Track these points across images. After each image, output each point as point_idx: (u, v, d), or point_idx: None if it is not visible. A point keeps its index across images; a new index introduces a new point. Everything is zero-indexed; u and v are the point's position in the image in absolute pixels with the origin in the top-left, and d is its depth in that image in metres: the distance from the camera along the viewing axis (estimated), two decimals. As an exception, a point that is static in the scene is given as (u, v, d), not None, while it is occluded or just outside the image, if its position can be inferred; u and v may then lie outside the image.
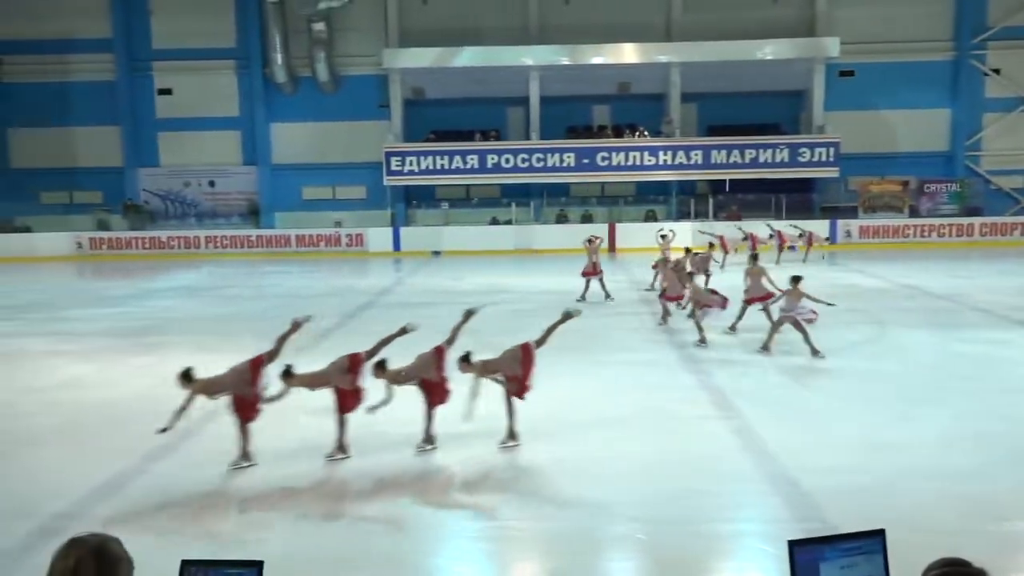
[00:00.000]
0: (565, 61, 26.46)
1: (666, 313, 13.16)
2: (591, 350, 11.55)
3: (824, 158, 25.82)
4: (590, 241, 16.07)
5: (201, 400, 6.63)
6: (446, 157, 26.71)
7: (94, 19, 28.07)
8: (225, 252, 27.01)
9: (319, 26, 27.04)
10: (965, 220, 26.09)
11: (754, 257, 12.87)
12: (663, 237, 17.81)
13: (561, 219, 28.02)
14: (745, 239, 20.16)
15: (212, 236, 27.42)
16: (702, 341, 11.28)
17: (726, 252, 19.46)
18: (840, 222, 25.92)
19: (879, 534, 2.80)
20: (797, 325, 10.55)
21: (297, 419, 7.78)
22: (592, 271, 15.67)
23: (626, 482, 6.50)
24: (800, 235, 21.68)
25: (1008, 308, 13.92)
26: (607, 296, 15.49)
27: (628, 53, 26.32)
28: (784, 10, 27.25)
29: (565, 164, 26.63)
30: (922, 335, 12.20)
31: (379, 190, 27.92)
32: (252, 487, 6.50)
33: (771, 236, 21.42)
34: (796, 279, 10.67)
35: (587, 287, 15.59)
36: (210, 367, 7.01)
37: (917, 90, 27.32)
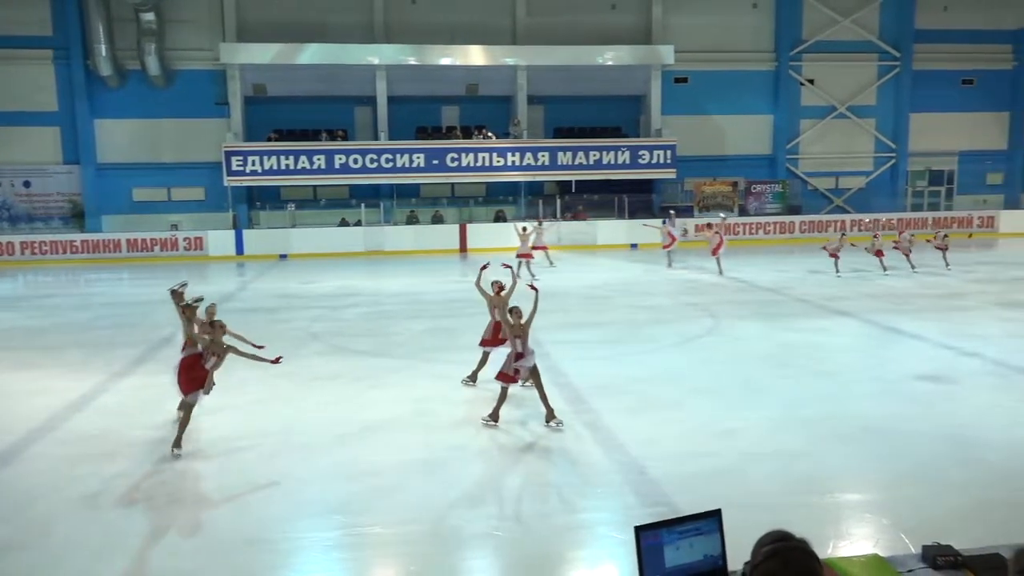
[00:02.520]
0: (413, 61, 26.30)
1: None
2: (447, 350, 11.55)
3: (662, 160, 27.16)
4: (524, 229, 19.43)
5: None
6: (291, 157, 25.85)
7: None
8: (45, 259, 24.80)
9: (148, 16, 25.38)
10: (787, 218, 28.25)
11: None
12: (523, 229, 19.60)
13: (412, 220, 27.84)
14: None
15: (29, 241, 25.08)
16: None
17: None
18: (678, 221, 27.29)
19: (716, 514, 2.95)
20: None
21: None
22: (527, 254, 18.99)
23: (482, 479, 6.53)
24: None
25: (825, 299, 15.21)
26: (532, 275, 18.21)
27: (475, 55, 26.53)
28: (623, 17, 28.40)
29: (415, 165, 26.47)
30: (754, 326, 13.07)
31: (219, 191, 26.59)
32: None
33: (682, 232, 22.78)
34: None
35: (519, 267, 17.88)
36: (30, 385, 6.39)
37: (744, 97, 29.31)
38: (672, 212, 23.46)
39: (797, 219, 28.26)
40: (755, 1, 29.18)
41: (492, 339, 9.24)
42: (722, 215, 22.55)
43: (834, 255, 18.49)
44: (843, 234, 19.79)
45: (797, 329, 12.64)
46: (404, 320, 14.09)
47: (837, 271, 18.26)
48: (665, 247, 21.31)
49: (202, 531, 5.75)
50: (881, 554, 3.43)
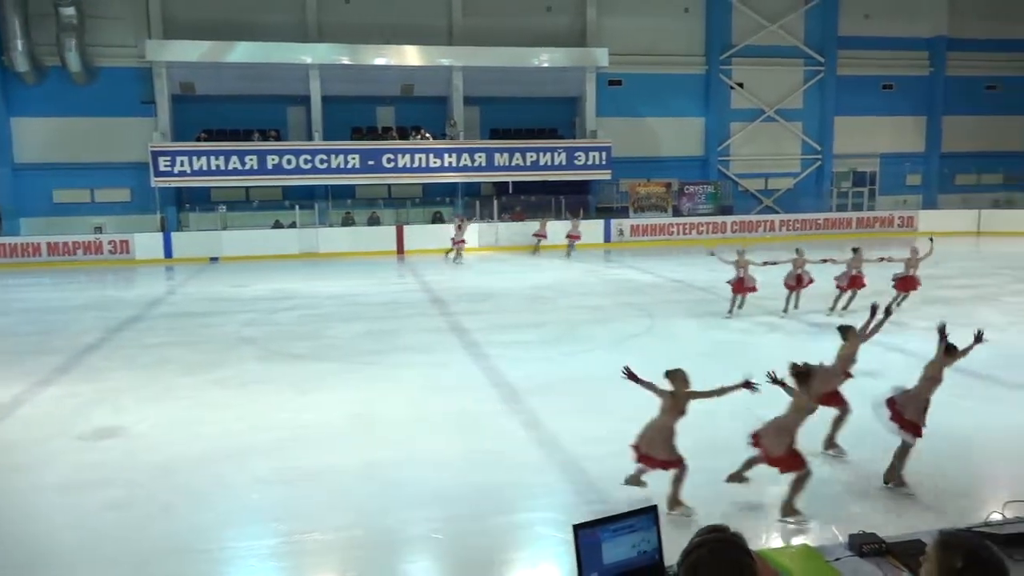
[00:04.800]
0: (346, 61, 25.98)
1: None
2: (386, 352, 11.46)
3: (598, 161, 27.47)
4: (461, 220, 22.84)
5: None
6: (222, 157, 25.22)
7: None
8: (-42, 264, 23.65)
9: (68, 10, 24.41)
10: (719, 218, 28.90)
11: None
12: (459, 228, 21.69)
13: (347, 222, 27.48)
14: None
15: (-60, 246, 23.87)
16: None
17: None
18: (614, 221, 27.68)
19: (652, 510, 3.00)
20: None
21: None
22: (462, 241, 22.46)
23: (422, 483, 6.50)
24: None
25: (756, 297, 15.56)
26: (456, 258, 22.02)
27: (410, 55, 26.36)
28: (558, 19, 28.63)
29: (350, 165, 26.14)
30: (689, 325, 13.32)
31: (146, 192, 25.79)
32: None
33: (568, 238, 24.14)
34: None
35: (458, 254, 22.11)
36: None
37: (676, 100, 29.88)
38: (576, 211, 25.83)
39: (729, 219, 28.94)
40: (686, 6, 29.76)
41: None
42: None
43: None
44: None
45: (730, 328, 12.94)
46: (341, 323, 13.91)
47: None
48: (569, 236, 24.12)
49: (132, 542, 5.56)
50: (811, 544, 3.54)
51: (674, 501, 5.68)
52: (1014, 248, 24.51)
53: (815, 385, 5.80)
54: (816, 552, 3.35)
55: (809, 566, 3.18)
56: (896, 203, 31.65)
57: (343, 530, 5.69)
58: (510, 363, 10.52)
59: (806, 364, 5.82)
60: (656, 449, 5.71)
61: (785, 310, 13.78)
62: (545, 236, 24.87)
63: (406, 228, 26.48)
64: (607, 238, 26.91)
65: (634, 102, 29.35)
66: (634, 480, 5.99)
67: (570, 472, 6.73)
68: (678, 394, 5.95)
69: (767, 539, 5.21)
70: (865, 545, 3.30)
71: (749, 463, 5.98)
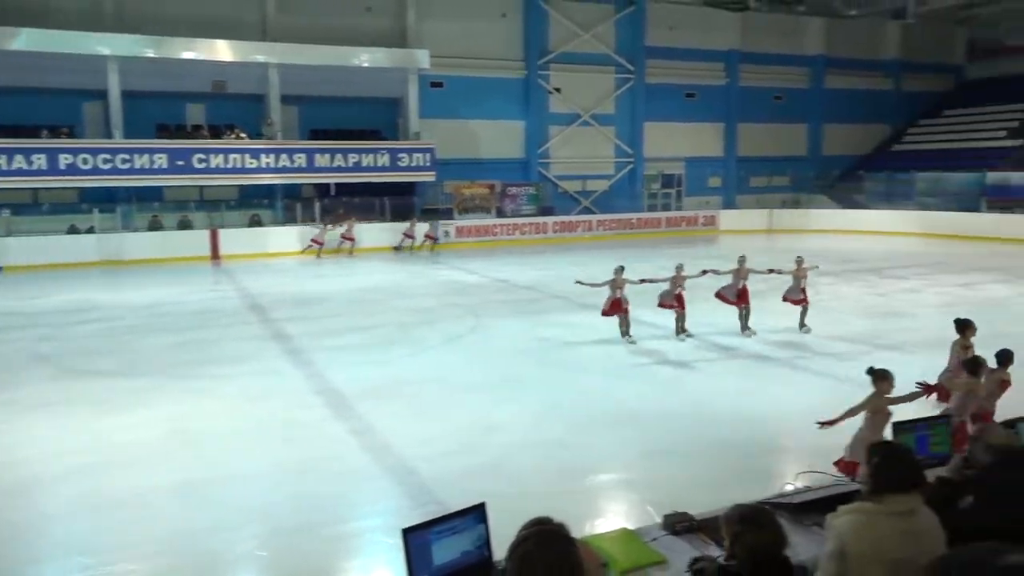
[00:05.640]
0: (150, 54, 24.21)
1: None
2: (201, 364, 10.83)
3: (422, 163, 27.42)
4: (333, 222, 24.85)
5: None
6: (4, 156, 22.69)
7: None
8: None
9: None
10: (541, 219, 29.81)
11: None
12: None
13: (155, 226, 25.60)
14: None
15: None
16: None
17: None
18: (440, 223, 27.78)
19: (480, 508, 3.04)
20: None
21: None
22: (320, 241, 24.63)
23: (243, 498, 6.20)
24: None
25: (577, 295, 16.19)
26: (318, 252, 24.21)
27: (222, 50, 25.01)
28: (378, 20, 28.29)
29: (156, 166, 24.39)
30: (514, 323, 13.63)
31: (-88, 195, 22.76)
32: None
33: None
34: None
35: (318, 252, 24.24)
36: None
37: (497, 103, 30.45)
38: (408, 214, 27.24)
39: (550, 220, 29.92)
40: (504, 11, 30.40)
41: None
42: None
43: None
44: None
45: (554, 324, 13.38)
46: (150, 335, 12.97)
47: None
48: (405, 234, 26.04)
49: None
50: (630, 527, 3.74)
51: None
52: (799, 243, 27.12)
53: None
54: (634, 535, 3.54)
55: (629, 548, 3.35)
56: (700, 203, 34.09)
57: (157, 556, 5.32)
58: (337, 369, 10.29)
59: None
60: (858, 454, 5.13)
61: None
62: (413, 237, 26.25)
63: (222, 232, 25.11)
64: (436, 239, 26.94)
65: (456, 104, 29.60)
66: None
67: (401, 476, 6.68)
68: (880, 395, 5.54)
69: (591, 527, 5.45)
70: (678, 524, 3.54)
71: None
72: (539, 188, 30.71)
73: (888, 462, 2.95)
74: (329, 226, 25.48)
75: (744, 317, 12.26)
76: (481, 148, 30.44)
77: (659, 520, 3.67)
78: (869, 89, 36.81)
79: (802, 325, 12.20)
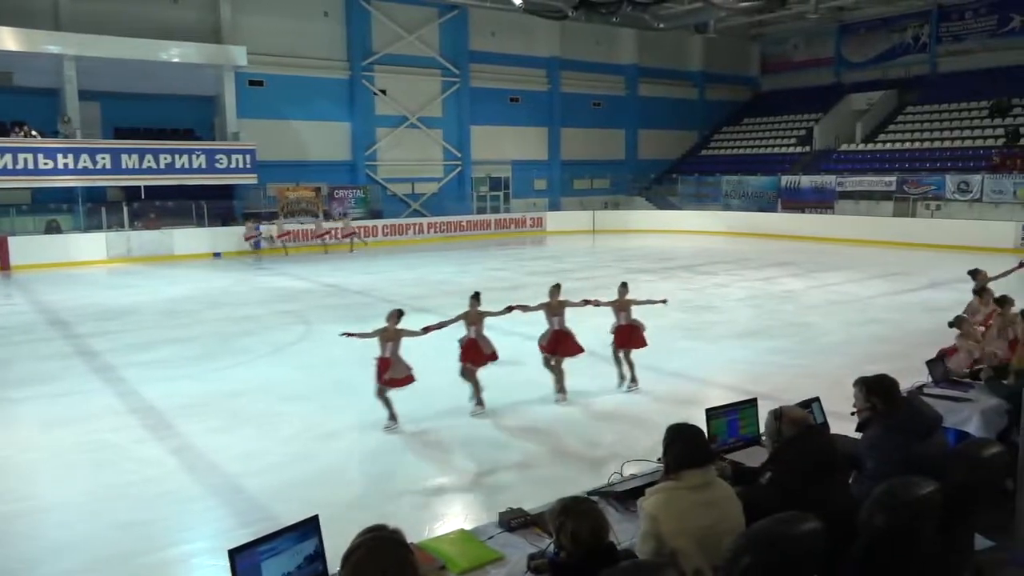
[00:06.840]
0: (-86, 40, 21.49)
1: None
2: (-11, 388, 9.76)
3: (242, 165, 26.18)
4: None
5: None
6: None
7: None
8: None
9: None
10: (371, 222, 29.39)
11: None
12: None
13: (-69, 234, 22.80)
14: None
15: None
16: None
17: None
18: (263, 227, 26.67)
19: (312, 520, 2.96)
20: None
21: None
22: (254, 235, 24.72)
23: (53, 532, 5.65)
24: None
25: (408, 298, 16.13)
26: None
27: (7, 38, 22.61)
28: (186, 13, 26.70)
29: (-69, 167, 21.71)
30: (348, 329, 13.29)
31: None
32: None
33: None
34: None
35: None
36: None
37: (321, 103, 29.67)
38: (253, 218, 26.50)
39: (380, 223, 29.58)
40: (325, 9, 29.68)
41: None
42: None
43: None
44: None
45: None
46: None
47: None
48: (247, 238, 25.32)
49: None
50: (467, 528, 3.77)
51: None
52: (620, 243, 28.58)
53: None
54: (471, 534, 3.58)
55: (466, 548, 3.39)
56: (527, 205, 35.00)
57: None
58: (151, 385, 9.60)
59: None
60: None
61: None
62: (257, 239, 25.71)
63: (12, 240, 22.74)
64: (256, 244, 25.82)
65: (278, 104, 28.56)
66: None
67: (227, 494, 6.35)
68: None
69: (430, 531, 5.44)
70: (513, 520, 3.62)
71: None
72: (367, 191, 30.30)
73: (683, 442, 3.25)
74: (263, 224, 25.89)
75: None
76: (306, 150, 29.57)
77: (494, 519, 3.72)
78: (678, 98, 39.42)
79: (632, 379, 9.10)
